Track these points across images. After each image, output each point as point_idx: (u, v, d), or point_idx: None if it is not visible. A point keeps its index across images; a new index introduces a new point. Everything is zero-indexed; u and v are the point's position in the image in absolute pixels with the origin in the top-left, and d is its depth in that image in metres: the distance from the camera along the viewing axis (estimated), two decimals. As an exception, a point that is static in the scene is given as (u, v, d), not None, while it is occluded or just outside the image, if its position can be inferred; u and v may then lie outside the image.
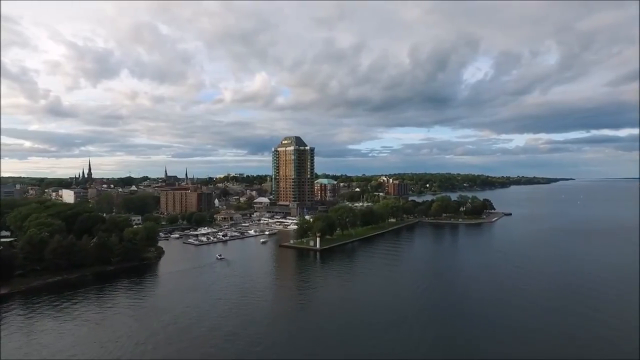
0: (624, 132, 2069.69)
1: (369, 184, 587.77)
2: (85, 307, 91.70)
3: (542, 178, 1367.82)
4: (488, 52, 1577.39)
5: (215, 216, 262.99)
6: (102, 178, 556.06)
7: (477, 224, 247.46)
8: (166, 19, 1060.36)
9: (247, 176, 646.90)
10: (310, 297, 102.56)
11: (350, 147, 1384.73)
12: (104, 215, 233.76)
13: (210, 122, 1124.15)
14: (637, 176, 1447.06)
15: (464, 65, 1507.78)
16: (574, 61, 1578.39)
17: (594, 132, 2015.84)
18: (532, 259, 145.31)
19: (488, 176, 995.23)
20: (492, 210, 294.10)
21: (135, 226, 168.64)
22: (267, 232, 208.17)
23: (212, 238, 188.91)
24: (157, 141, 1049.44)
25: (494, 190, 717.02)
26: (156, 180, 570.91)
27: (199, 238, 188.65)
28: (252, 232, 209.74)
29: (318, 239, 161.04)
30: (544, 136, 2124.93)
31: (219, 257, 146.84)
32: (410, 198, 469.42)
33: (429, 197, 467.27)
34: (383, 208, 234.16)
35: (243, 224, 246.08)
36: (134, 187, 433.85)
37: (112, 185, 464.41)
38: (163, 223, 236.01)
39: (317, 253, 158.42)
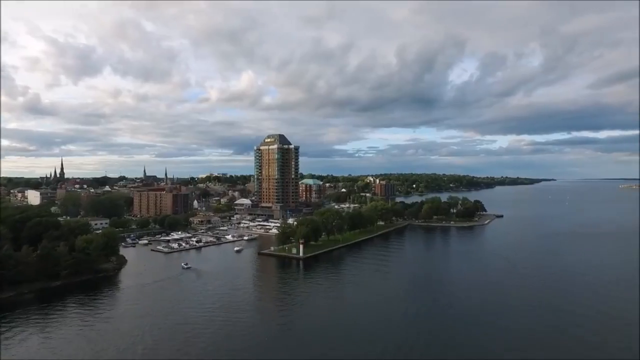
0: (603, 134, 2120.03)
1: (355, 185, 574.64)
2: (11, 336, 73.75)
3: (526, 179, 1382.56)
4: (474, 54, 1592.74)
5: (191, 219, 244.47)
6: (77, 178, 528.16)
7: (469, 227, 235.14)
8: (151, 16, 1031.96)
9: (231, 176, 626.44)
10: (290, 319, 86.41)
11: (337, 147, 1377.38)
12: (67, 218, 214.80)
13: (196, 122, 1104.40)
14: (617, 177, 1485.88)
15: (451, 66, 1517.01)
16: (557, 63, 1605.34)
17: (575, 134, 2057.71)
18: (538, 267, 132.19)
19: (473, 177, 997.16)
20: (484, 212, 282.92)
21: (99, 231, 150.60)
22: (246, 237, 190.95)
23: (184, 244, 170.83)
24: (140, 140, 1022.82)
25: (480, 191, 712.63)
26: (134, 180, 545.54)
27: (170, 244, 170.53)
28: (229, 237, 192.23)
29: (301, 246, 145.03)
30: (526, 137, 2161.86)
31: (185, 266, 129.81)
32: (398, 199, 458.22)
33: (416, 198, 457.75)
34: (371, 211, 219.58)
35: (221, 228, 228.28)
36: (107, 188, 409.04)
37: (85, 186, 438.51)
38: (133, 227, 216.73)
39: (300, 262, 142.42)
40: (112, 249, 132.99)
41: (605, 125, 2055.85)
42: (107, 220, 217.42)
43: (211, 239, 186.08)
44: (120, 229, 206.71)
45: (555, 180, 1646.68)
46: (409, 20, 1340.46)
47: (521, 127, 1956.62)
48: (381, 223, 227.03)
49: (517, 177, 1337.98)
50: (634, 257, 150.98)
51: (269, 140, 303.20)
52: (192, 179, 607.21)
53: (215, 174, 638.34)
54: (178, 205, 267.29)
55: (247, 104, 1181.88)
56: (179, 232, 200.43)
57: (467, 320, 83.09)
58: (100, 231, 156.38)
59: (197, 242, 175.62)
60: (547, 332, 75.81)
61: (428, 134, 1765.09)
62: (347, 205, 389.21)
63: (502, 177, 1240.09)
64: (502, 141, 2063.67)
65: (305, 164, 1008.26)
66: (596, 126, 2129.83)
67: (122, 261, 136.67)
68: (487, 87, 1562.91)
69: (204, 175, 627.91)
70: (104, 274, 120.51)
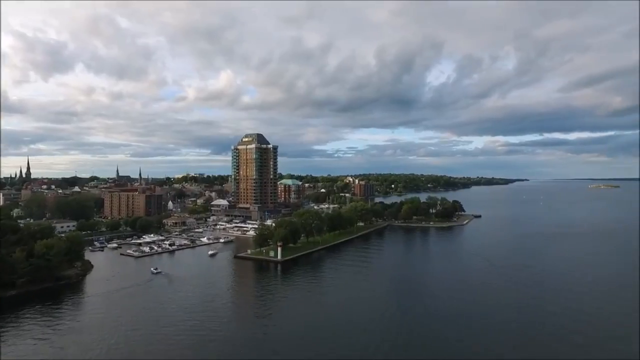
0: (573, 136, 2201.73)
1: (334, 185, 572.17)
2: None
3: (500, 179, 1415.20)
4: (451, 56, 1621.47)
5: (165, 221, 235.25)
6: (44, 178, 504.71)
7: (448, 227, 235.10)
8: (125, 12, 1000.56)
9: (208, 176, 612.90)
10: (267, 327, 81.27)
11: (316, 147, 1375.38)
12: (30, 221, 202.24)
13: (173, 121, 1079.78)
14: (586, 177, 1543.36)
15: (428, 68, 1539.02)
16: (530, 67, 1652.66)
17: (547, 136, 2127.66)
18: (518, 267, 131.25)
19: (450, 177, 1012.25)
20: (462, 213, 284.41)
21: (65, 235, 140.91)
22: (222, 240, 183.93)
23: (156, 248, 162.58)
24: (115, 140, 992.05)
25: (457, 191, 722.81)
26: (106, 180, 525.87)
27: (141, 248, 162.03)
28: (205, 239, 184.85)
29: (279, 249, 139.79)
30: (501, 138, 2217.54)
31: (154, 271, 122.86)
32: (377, 199, 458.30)
33: (395, 198, 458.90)
34: (351, 211, 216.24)
35: (196, 230, 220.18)
36: (77, 189, 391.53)
37: (52, 186, 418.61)
38: (102, 229, 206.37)
39: (279, 265, 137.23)
40: (76, 254, 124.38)
41: (575, 127, 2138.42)
42: (75, 223, 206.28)
43: (185, 241, 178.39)
44: (88, 231, 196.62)
45: (528, 180, 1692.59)
46: (388, 22, 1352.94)
47: (496, 128, 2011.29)
48: (361, 224, 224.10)
49: (493, 178, 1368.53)
50: (612, 257, 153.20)
51: (246, 139, 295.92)
52: (168, 179, 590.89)
53: (192, 174, 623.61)
54: (151, 207, 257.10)
55: (225, 104, 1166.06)
56: (152, 235, 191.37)
57: (448, 320, 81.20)
58: (64, 235, 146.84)
59: (170, 245, 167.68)
60: (529, 331, 73.62)
61: (406, 135, 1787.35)
62: (327, 205, 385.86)
63: (477, 177, 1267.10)
64: (478, 142, 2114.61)
65: (285, 164, 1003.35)
66: (566, 128, 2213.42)
67: (88, 267, 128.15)
68: (463, 88, 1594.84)
69: (180, 176, 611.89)
70: (66, 281, 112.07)
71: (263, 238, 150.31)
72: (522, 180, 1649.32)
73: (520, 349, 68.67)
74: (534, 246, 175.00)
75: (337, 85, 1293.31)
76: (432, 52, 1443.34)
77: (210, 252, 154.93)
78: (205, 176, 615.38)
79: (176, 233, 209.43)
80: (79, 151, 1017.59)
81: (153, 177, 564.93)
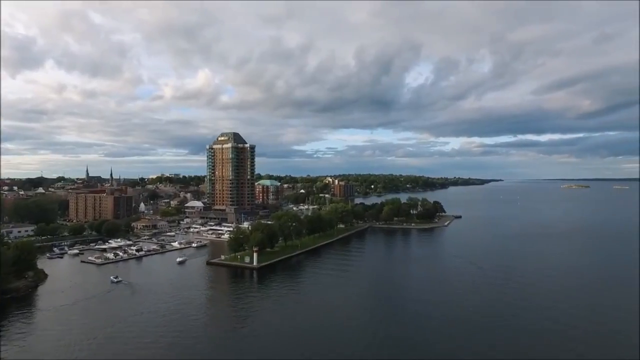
0: (544, 138, 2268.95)
1: (314, 185, 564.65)
2: None
3: (477, 179, 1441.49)
4: (429, 58, 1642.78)
5: (134, 224, 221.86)
6: (6, 179, 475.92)
7: (429, 229, 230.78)
8: (99, 8, 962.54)
9: (184, 177, 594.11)
10: (239, 344, 72.37)
11: (296, 147, 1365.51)
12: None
13: (149, 120, 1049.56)
14: (557, 178, 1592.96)
15: (407, 69, 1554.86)
16: (505, 70, 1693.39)
17: (520, 137, 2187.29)
18: (505, 270, 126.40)
19: (428, 177, 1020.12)
20: (443, 213, 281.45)
21: (17, 240, 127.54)
22: (194, 244, 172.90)
23: (121, 254, 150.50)
24: (88, 139, 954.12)
25: (435, 191, 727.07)
26: (74, 181, 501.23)
27: (105, 254, 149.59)
28: (176, 244, 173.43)
29: (255, 255, 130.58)
30: (476, 140, 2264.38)
31: (115, 280, 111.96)
32: (357, 200, 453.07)
33: (375, 199, 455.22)
34: (331, 213, 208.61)
35: (168, 234, 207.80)
36: (41, 190, 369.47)
37: (15, 187, 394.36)
38: (65, 234, 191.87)
39: (254, 272, 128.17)
40: (27, 263, 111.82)
41: (547, 129, 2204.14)
42: (34, 227, 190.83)
43: (155, 246, 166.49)
44: (49, 236, 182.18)
45: (502, 180, 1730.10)
46: (367, 23, 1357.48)
47: (472, 129, 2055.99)
48: (342, 226, 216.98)
49: (469, 178, 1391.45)
50: (594, 257, 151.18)
51: (222, 138, 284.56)
52: (142, 180, 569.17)
53: (168, 174, 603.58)
54: (120, 209, 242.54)
55: (203, 103, 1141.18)
56: (119, 240, 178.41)
57: (435, 327, 74.21)
58: (14, 242, 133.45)
59: (137, 250, 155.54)
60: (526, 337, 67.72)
61: (385, 136, 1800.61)
62: (306, 206, 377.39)
63: (454, 177, 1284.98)
64: (455, 143, 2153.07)
65: (264, 165, 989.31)
66: (539, 130, 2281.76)
67: (41, 277, 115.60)
68: (441, 90, 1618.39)
69: (154, 176, 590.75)
70: (12, 294, 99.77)
71: (238, 242, 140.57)
72: (497, 180, 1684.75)
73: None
74: (515, 247, 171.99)
75: (317, 85, 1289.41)
76: (410, 54, 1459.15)
77: (178, 260, 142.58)
78: (181, 177, 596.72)
79: (146, 237, 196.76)
80: (50, 151, 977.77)
81: (129, 177, 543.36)
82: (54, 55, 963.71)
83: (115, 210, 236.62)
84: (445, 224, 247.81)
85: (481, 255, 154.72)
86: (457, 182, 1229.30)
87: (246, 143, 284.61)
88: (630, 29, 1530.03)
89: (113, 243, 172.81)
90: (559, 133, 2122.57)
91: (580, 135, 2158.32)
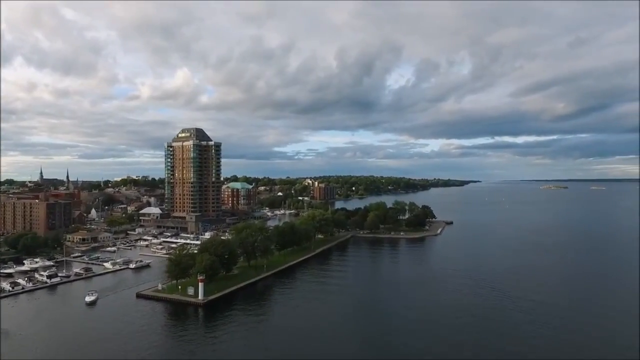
0: (521, 139, 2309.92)
1: (293, 188, 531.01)
2: None
3: (456, 180, 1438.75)
4: (410, 60, 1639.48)
5: (70, 237, 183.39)
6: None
7: (420, 239, 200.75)
8: (71, 3, 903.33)
9: (153, 179, 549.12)
10: None
11: (276, 149, 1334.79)
12: None
13: (125, 120, 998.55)
14: (532, 179, 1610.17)
15: (388, 71, 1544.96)
16: (484, 72, 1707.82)
17: (497, 139, 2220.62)
18: (538, 299, 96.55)
19: (410, 179, 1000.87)
20: (433, 219, 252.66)
21: None
22: (132, 265, 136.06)
23: (24, 283, 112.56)
24: (60, 140, 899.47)
25: (417, 193, 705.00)
26: (23, 184, 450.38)
27: (1, 283, 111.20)
28: (108, 264, 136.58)
29: (201, 286, 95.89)
30: (455, 141, 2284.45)
31: None
32: (338, 202, 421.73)
33: (356, 201, 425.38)
34: (308, 223, 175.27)
35: (109, 249, 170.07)
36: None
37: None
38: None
39: (200, 309, 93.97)
40: None
41: (523, 131, 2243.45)
42: None
43: (79, 270, 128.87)
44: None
45: (480, 181, 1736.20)
46: (348, 23, 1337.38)
47: (451, 131, 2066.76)
48: (320, 236, 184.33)
49: (449, 179, 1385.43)
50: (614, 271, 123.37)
51: (183, 135, 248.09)
52: (106, 182, 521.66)
53: (135, 176, 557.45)
54: (56, 218, 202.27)
55: (182, 103, 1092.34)
56: (37, 260, 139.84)
57: None
58: None
59: (49, 277, 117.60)
60: None
61: (366, 137, 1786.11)
62: (282, 211, 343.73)
63: (435, 179, 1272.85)
64: (434, 145, 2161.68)
65: (243, 166, 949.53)
66: (515, 132, 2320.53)
67: None
68: (421, 92, 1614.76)
69: (119, 179, 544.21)
70: None
71: (180, 267, 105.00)
72: (475, 181, 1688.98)
73: None
74: (528, 263, 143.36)
75: (298, 86, 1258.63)
76: (391, 56, 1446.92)
77: (88, 301, 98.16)
78: (150, 179, 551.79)
79: (78, 254, 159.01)
80: (19, 152, 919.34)
81: (78, 179, 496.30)
82: (23, 52, 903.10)
83: (49, 220, 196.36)
84: (438, 232, 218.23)
85: (489, 273, 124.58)
86: (437, 183, 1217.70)
87: (210, 140, 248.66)
88: (603, 33, 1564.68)
89: (29, 264, 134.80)
90: (535, 135, 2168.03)
91: (554, 137, 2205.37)
